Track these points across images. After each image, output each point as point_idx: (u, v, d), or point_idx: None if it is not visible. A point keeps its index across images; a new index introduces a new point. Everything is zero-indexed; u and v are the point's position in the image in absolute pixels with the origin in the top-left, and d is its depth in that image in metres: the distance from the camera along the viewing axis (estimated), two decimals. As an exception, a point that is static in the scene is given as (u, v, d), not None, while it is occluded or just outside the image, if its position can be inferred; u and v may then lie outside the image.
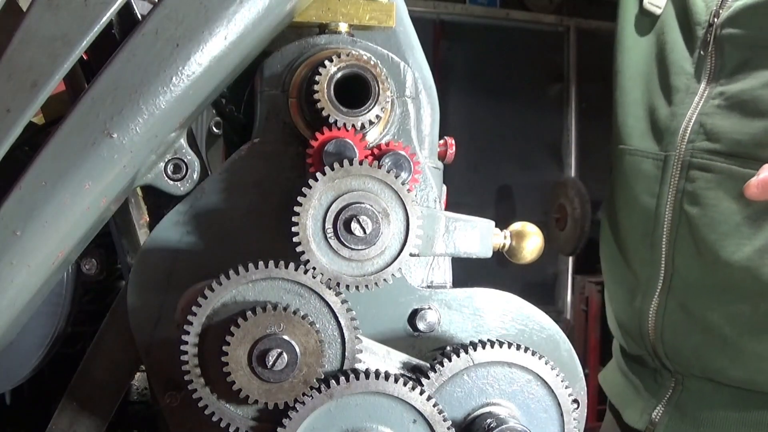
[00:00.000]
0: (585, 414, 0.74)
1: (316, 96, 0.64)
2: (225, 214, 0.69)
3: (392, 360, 0.69)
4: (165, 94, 0.59)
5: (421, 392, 0.66)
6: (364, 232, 0.62)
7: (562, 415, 0.70)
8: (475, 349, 0.68)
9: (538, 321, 0.72)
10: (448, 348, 0.70)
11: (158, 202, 0.80)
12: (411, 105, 0.72)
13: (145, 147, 0.60)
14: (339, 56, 0.65)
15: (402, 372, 0.69)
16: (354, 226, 0.62)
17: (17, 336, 0.71)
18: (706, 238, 1.14)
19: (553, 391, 0.70)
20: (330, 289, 0.64)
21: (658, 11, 1.28)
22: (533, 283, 5.20)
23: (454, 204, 0.82)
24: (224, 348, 0.61)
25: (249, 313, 0.61)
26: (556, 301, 5.29)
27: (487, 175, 5.15)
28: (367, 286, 0.64)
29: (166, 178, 0.70)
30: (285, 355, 0.61)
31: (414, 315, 0.70)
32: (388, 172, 0.63)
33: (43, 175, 0.58)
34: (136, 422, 1.00)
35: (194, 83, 0.60)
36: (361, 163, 0.63)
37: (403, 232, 0.64)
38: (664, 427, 1.26)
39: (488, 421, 0.67)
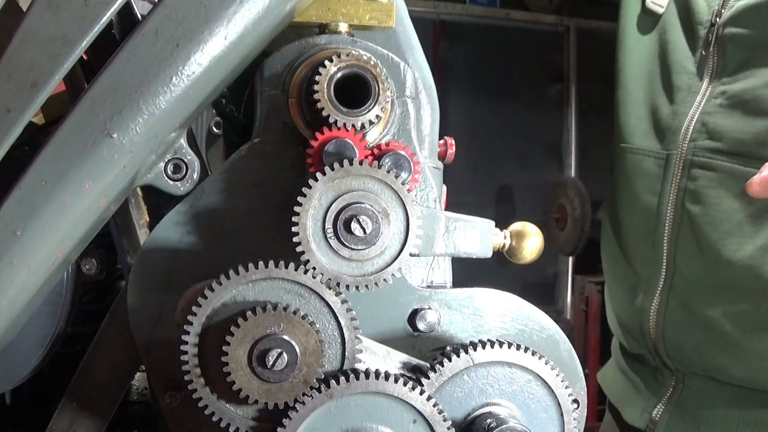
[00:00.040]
0: (585, 414, 0.74)
1: (316, 96, 0.64)
2: (225, 214, 0.69)
3: (392, 360, 0.69)
4: (165, 94, 0.59)
5: (421, 392, 0.66)
6: (364, 232, 0.62)
7: (562, 415, 0.70)
8: (475, 349, 0.68)
9: (538, 321, 0.72)
10: (448, 348, 0.70)
11: (158, 202, 0.80)
12: (411, 105, 0.72)
13: (145, 147, 0.60)
14: (339, 56, 0.65)
15: (402, 372, 0.69)
16: (354, 226, 0.62)
17: (17, 336, 0.71)
18: (707, 236, 1.14)
19: (553, 391, 0.70)
20: (330, 289, 0.64)
21: (660, 10, 1.28)
22: (533, 283, 5.19)
23: (454, 204, 0.82)
24: (224, 348, 0.61)
25: (249, 313, 0.61)
26: (556, 301, 5.29)
27: (487, 175, 5.14)
28: (367, 286, 0.64)
29: (166, 178, 0.70)
30: (285, 355, 0.61)
31: (414, 315, 0.70)
32: (388, 172, 0.63)
33: (43, 175, 0.58)
34: (136, 422, 1.00)
35: (194, 83, 0.60)
36: (361, 163, 0.63)
37: (403, 232, 0.64)
38: (665, 425, 1.26)
39: (488, 421, 0.67)
